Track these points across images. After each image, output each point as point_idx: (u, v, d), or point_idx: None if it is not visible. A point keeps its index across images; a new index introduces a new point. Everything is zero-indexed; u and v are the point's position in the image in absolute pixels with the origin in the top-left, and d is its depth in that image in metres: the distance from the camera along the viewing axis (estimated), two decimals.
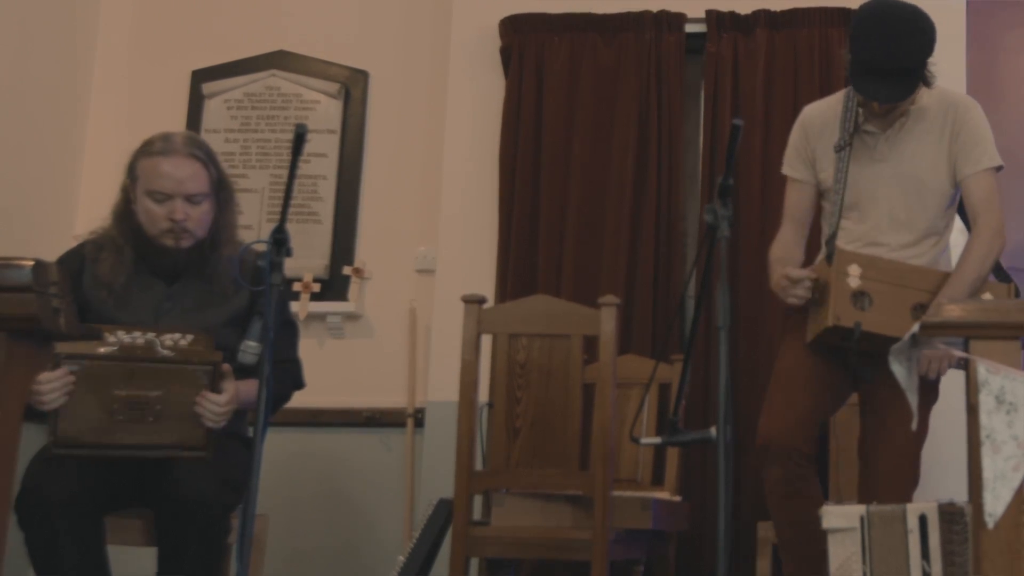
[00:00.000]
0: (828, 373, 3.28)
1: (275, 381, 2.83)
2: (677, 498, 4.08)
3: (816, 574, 3.05)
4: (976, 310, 2.21)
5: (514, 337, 3.56)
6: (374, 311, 4.90)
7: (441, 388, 4.56)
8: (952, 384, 3.10)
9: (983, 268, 3.23)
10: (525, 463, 3.51)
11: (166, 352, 2.85)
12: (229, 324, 3.09)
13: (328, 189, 4.97)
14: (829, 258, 3.22)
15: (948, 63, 3.89)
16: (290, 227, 2.74)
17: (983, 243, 3.24)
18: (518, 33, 4.80)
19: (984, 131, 3.30)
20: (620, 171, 4.65)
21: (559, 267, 4.63)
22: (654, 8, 4.75)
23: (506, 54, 4.80)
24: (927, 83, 3.24)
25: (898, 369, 2.43)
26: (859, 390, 3.38)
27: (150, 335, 2.86)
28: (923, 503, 2.67)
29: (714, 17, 4.71)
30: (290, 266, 2.79)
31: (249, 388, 2.94)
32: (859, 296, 3.16)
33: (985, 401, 2.12)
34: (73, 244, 3.25)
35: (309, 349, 3.93)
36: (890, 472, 3.22)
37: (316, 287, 4.86)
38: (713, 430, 2.49)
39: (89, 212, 4.00)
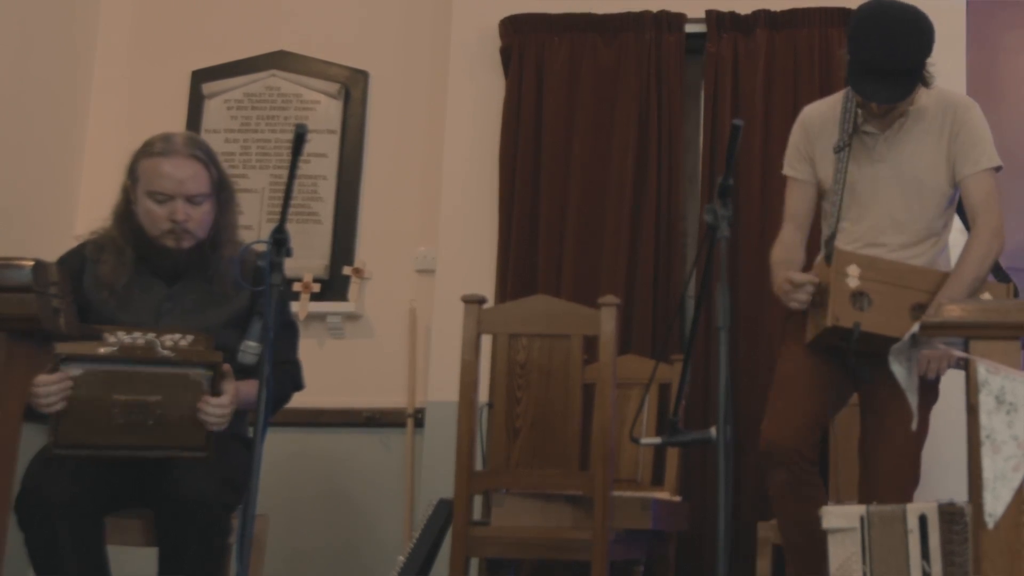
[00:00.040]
0: (829, 375, 3.28)
1: (275, 382, 2.83)
2: (677, 498, 4.08)
3: (818, 574, 3.05)
4: (976, 310, 2.22)
5: (514, 337, 3.56)
6: (374, 311, 4.90)
7: (441, 388, 4.56)
8: (952, 384, 3.10)
9: (982, 268, 3.23)
10: (525, 463, 3.51)
11: (166, 353, 2.85)
12: (229, 325, 3.09)
13: (328, 189, 4.97)
14: (828, 258, 3.22)
15: (948, 63, 3.90)
16: (290, 227, 2.73)
17: (982, 243, 3.24)
18: (518, 33, 4.80)
19: (983, 131, 3.30)
20: (620, 171, 4.65)
21: (559, 267, 4.63)
22: (654, 8, 4.75)
23: (506, 54, 4.81)
24: (926, 83, 3.24)
25: (898, 369, 2.44)
26: (859, 390, 3.38)
27: (150, 336, 2.85)
28: (923, 503, 2.67)
29: (714, 17, 4.71)
30: (290, 266, 2.78)
31: (249, 389, 2.94)
32: (858, 296, 3.16)
33: (985, 401, 2.12)
34: (73, 244, 3.25)
35: (309, 349, 3.93)
36: (890, 472, 3.22)
37: (316, 287, 4.86)
38: (713, 430, 2.49)
39: (89, 212, 3.99)
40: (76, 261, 3.13)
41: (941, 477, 3.69)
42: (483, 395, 3.81)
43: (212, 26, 5.20)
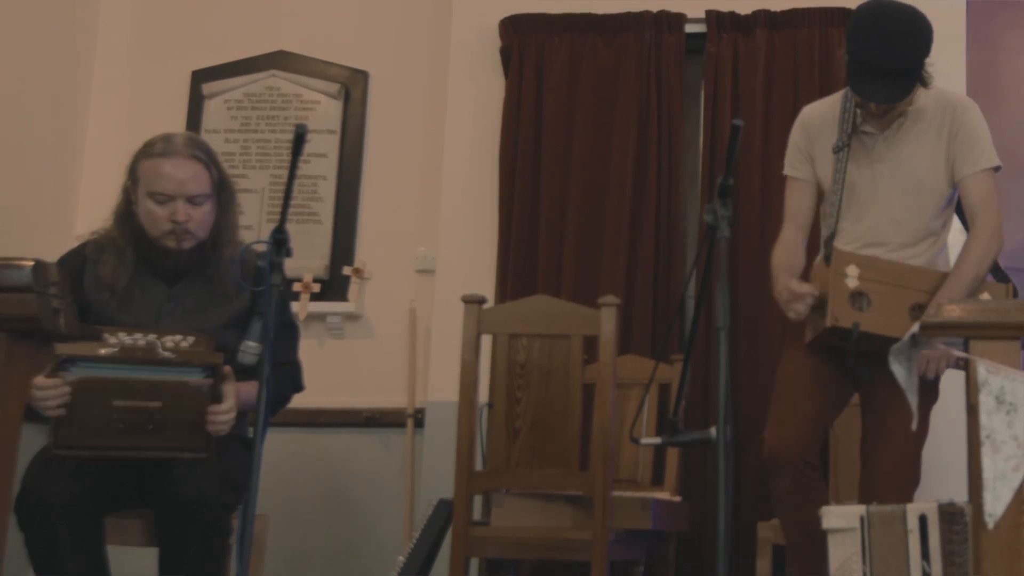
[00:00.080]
0: (829, 377, 3.28)
1: (275, 383, 2.83)
2: (677, 498, 4.08)
3: (819, 575, 3.05)
4: (976, 310, 2.22)
5: (514, 337, 3.56)
6: (374, 311, 4.91)
7: (441, 388, 4.56)
8: (952, 384, 3.10)
9: (981, 268, 3.23)
10: (525, 463, 3.51)
11: (167, 354, 2.84)
12: (230, 325, 3.09)
13: (328, 189, 4.97)
14: (827, 259, 3.22)
15: (948, 63, 3.90)
16: (290, 227, 2.73)
17: (981, 243, 3.24)
18: (518, 33, 4.80)
19: (982, 131, 3.30)
20: (620, 171, 4.65)
21: (559, 267, 4.63)
22: (654, 8, 4.75)
23: (506, 54, 4.81)
24: (924, 84, 3.24)
25: (898, 369, 2.44)
26: (859, 390, 3.38)
27: (151, 336, 2.85)
28: (923, 503, 2.67)
29: (714, 17, 4.71)
30: (290, 266, 2.78)
31: (249, 389, 2.94)
32: (857, 297, 3.16)
33: (985, 401, 2.12)
34: (74, 244, 3.25)
35: (309, 349, 3.93)
36: (890, 472, 3.22)
37: (316, 287, 4.86)
38: (713, 430, 2.49)
39: (89, 212, 3.99)
40: (76, 261, 3.13)
41: (941, 477, 3.69)
42: (483, 395, 3.81)
43: (212, 26, 5.21)
